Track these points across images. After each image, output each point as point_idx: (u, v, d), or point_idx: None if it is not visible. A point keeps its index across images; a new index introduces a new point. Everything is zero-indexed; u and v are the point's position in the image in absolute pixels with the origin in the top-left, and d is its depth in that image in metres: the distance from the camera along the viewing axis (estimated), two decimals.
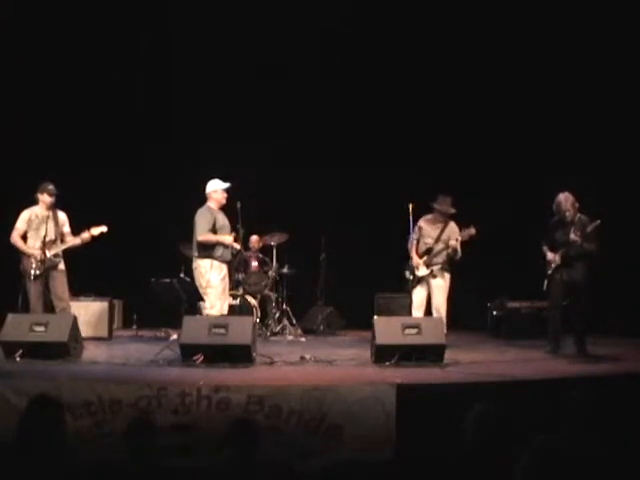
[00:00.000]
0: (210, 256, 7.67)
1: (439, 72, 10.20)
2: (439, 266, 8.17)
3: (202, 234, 7.67)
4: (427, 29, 10.15)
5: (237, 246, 7.92)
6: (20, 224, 7.77)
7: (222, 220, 7.78)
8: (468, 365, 6.67)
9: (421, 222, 8.25)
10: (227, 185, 7.86)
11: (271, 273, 9.70)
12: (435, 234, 8.19)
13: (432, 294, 8.14)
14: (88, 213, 8.42)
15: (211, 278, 7.64)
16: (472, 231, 7.98)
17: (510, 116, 10.03)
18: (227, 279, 7.84)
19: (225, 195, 7.86)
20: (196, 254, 7.74)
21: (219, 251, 7.70)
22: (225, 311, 7.72)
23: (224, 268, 7.75)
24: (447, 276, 8.21)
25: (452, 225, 8.23)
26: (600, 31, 9.43)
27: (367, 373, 6.37)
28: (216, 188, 7.84)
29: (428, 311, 8.14)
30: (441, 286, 8.15)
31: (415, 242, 8.21)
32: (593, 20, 9.46)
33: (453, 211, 8.20)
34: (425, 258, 8.14)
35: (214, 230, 7.71)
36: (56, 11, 9.93)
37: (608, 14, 9.40)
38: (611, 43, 9.41)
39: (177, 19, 10.18)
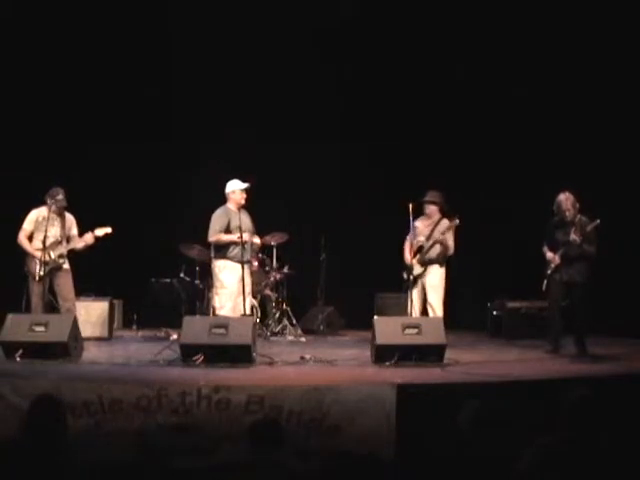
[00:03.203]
0: (224, 256, 7.80)
1: (441, 72, 10.19)
2: (434, 264, 8.19)
3: (212, 235, 7.88)
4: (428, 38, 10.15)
5: (256, 241, 7.99)
6: (27, 225, 7.81)
7: (238, 221, 7.79)
8: (468, 365, 6.66)
9: (417, 222, 8.27)
10: (245, 185, 7.94)
11: (271, 273, 9.70)
12: (427, 232, 8.23)
13: (428, 294, 8.15)
14: (88, 213, 8.43)
15: (224, 279, 7.72)
16: (456, 221, 7.99)
17: (510, 116, 10.02)
18: (247, 280, 7.73)
19: (244, 195, 7.97)
20: (212, 254, 7.95)
21: (233, 251, 7.78)
22: (241, 312, 7.69)
23: (240, 269, 7.72)
24: (442, 274, 8.22)
25: (443, 221, 8.27)
26: (603, 33, 9.43)
27: (367, 373, 6.38)
28: (234, 189, 7.94)
29: (424, 311, 8.16)
30: (436, 284, 8.17)
31: (409, 244, 8.25)
32: (597, 25, 9.48)
33: (438, 200, 8.23)
34: (418, 257, 8.16)
35: (228, 231, 7.82)
36: (56, 11, 9.92)
37: (610, 18, 9.41)
38: (612, 45, 9.41)
39: (178, 17, 10.16)
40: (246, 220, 7.88)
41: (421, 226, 8.27)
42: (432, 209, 8.29)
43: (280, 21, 10.15)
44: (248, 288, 7.84)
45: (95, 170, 10.15)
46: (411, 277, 8.03)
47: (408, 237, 8.26)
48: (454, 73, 10.16)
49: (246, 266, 7.77)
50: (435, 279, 8.18)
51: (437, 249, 8.18)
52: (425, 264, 8.17)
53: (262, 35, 10.16)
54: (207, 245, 8.36)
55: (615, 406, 4.69)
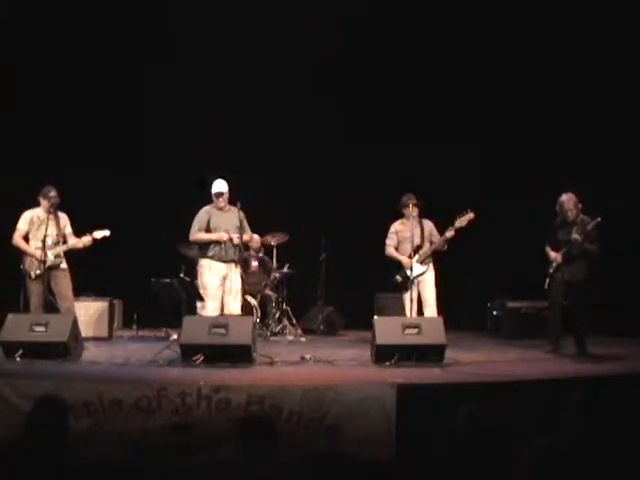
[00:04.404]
0: (205, 255, 7.77)
1: (439, 71, 10.20)
2: (430, 262, 8.29)
3: (191, 235, 7.87)
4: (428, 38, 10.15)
5: (234, 239, 7.75)
6: (22, 225, 7.81)
7: (218, 220, 7.79)
8: (468, 365, 6.66)
9: (396, 227, 8.39)
10: (216, 191, 7.87)
11: (271, 273, 9.70)
12: (418, 232, 8.26)
13: (424, 290, 8.20)
14: (88, 213, 8.43)
15: (205, 278, 7.69)
16: (471, 215, 8.02)
17: (511, 116, 10.03)
18: (235, 279, 7.72)
19: (219, 199, 7.87)
20: (197, 253, 7.96)
21: (212, 250, 7.75)
22: (229, 312, 7.68)
23: (223, 268, 7.73)
24: (434, 271, 8.32)
25: (427, 221, 8.38)
26: (603, 33, 9.44)
27: (367, 373, 6.37)
28: (212, 191, 7.90)
29: (420, 309, 8.18)
30: (433, 281, 8.26)
31: (394, 248, 8.32)
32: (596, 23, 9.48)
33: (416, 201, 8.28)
34: (417, 256, 8.19)
35: (208, 230, 7.80)
36: (56, 13, 9.93)
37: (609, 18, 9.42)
38: (612, 46, 9.42)
39: (177, 18, 10.17)
40: (232, 219, 7.81)
41: (405, 228, 8.28)
42: (417, 211, 8.33)
43: (279, 19, 10.16)
44: (237, 287, 7.80)
45: (95, 170, 10.15)
46: (411, 277, 8.06)
47: (389, 242, 8.36)
48: (453, 73, 10.16)
49: (232, 265, 7.74)
50: (433, 276, 8.27)
51: (430, 248, 8.25)
52: (425, 263, 8.22)
53: (263, 30, 10.15)
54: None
55: (615, 406, 4.68)
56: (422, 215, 8.36)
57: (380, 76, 10.40)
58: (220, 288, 7.72)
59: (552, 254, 7.60)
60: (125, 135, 10.38)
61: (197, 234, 7.83)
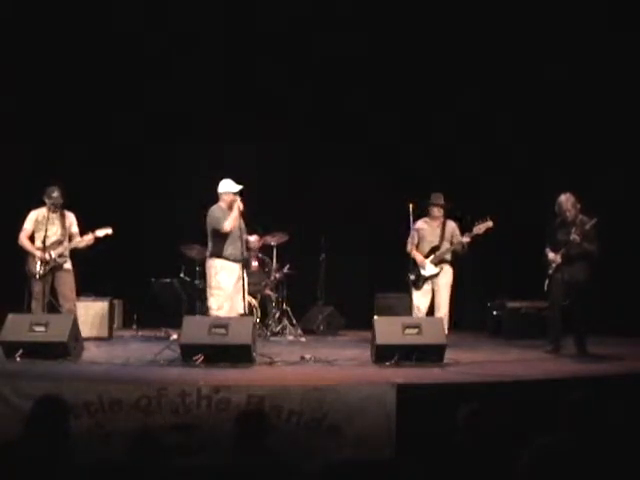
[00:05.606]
0: (220, 255, 7.68)
1: (438, 69, 10.19)
2: (447, 263, 8.30)
3: (225, 226, 7.60)
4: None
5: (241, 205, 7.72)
6: (27, 225, 7.83)
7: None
8: (468, 365, 6.67)
9: (419, 224, 8.38)
10: (238, 189, 7.86)
11: (271, 273, 9.70)
12: (438, 233, 8.31)
13: (437, 292, 8.24)
14: (88, 213, 8.43)
15: (221, 279, 7.63)
16: (489, 223, 8.05)
17: (510, 116, 10.03)
18: (244, 280, 7.69)
19: (234, 197, 7.86)
20: (207, 254, 7.81)
21: (228, 250, 7.67)
22: (237, 311, 7.66)
23: (236, 269, 7.69)
24: (451, 273, 8.32)
25: (450, 222, 8.41)
26: (603, 34, 9.44)
27: (367, 373, 6.38)
28: (228, 191, 7.83)
29: (430, 311, 8.19)
30: (448, 284, 8.28)
31: (414, 245, 8.30)
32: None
33: (444, 202, 8.34)
34: (432, 257, 8.22)
35: None
36: (55, 13, 9.93)
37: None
38: (612, 46, 9.42)
39: (177, 19, 10.17)
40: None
41: (427, 227, 8.36)
42: (439, 211, 8.35)
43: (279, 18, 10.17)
44: (245, 287, 7.81)
45: (96, 170, 10.16)
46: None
47: (410, 240, 8.33)
48: (451, 73, 10.15)
49: (241, 264, 7.74)
50: (449, 278, 8.30)
51: (451, 250, 8.29)
52: (440, 264, 8.23)
53: (267, 29, 10.15)
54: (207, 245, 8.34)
55: (615, 406, 4.68)
56: (447, 216, 8.38)
57: (379, 76, 10.39)
58: (232, 289, 7.69)
59: (551, 255, 7.59)
60: (125, 135, 10.38)
61: (226, 223, 7.62)
